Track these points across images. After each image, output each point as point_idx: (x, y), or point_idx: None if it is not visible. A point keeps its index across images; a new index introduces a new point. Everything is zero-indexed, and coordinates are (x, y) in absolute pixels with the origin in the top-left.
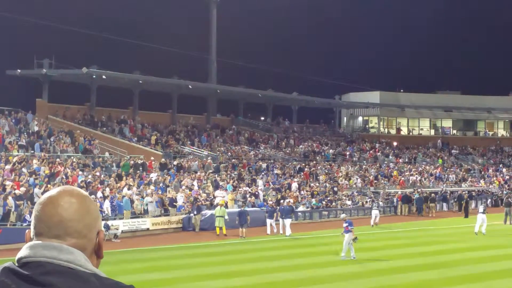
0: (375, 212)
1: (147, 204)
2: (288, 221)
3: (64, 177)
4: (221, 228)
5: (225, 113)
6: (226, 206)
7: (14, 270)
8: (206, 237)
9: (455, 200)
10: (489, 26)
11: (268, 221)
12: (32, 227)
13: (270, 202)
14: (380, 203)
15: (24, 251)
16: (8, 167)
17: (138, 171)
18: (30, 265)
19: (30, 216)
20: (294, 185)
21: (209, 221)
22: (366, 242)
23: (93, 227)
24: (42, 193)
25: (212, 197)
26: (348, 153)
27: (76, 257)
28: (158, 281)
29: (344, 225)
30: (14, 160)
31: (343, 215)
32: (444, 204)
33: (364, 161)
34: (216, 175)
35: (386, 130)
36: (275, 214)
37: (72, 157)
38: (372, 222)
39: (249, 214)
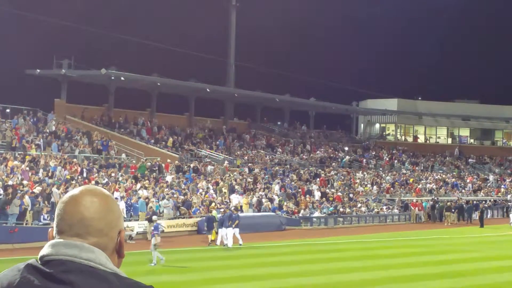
0: None
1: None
2: (236, 230)
3: (80, 177)
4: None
5: (242, 117)
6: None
7: (37, 267)
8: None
9: (453, 210)
10: (508, 35)
11: (220, 231)
12: (54, 225)
13: (222, 210)
14: (396, 210)
15: (46, 249)
16: (24, 166)
17: (154, 173)
18: (52, 263)
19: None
20: (317, 194)
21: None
22: (380, 249)
23: (115, 226)
24: (60, 193)
25: (228, 200)
26: (364, 160)
27: (97, 256)
28: (171, 283)
29: (151, 228)
30: (29, 159)
31: (154, 217)
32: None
33: (381, 168)
34: (232, 179)
35: (403, 137)
36: (229, 223)
37: (89, 158)
38: None
39: (217, 221)
